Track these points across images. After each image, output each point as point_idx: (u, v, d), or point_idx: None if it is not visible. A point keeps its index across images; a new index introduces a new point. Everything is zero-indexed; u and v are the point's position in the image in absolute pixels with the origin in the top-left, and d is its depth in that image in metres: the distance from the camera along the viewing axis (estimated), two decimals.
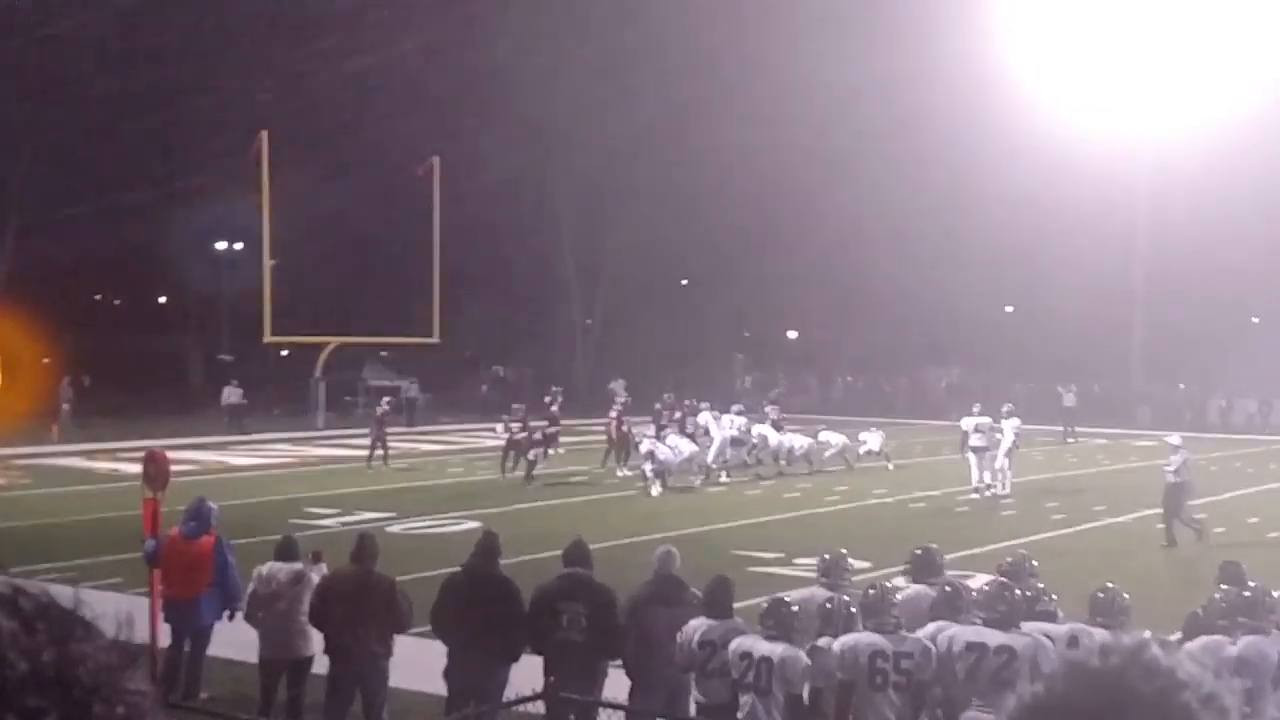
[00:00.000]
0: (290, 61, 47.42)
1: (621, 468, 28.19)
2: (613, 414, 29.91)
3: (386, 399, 32.91)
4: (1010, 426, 25.34)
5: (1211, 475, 30.08)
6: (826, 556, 8.80)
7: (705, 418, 28.64)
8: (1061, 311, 53.57)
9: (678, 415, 29.57)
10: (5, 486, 25.77)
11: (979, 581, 10.20)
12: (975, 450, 24.96)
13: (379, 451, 29.05)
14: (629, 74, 51.29)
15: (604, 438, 30.28)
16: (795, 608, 7.56)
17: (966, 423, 25.60)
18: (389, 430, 30.20)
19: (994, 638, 6.81)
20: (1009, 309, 63.53)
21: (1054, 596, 7.67)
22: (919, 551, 8.89)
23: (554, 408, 29.28)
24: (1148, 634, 1.08)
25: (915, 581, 8.42)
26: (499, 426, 29.40)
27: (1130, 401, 50.47)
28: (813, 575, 9.21)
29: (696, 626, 8.00)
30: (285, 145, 38.18)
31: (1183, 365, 53.60)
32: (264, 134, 36.41)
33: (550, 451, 28.37)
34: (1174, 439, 20.42)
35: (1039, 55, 47.81)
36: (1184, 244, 49.58)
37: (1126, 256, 53.87)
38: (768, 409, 31.20)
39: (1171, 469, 19.46)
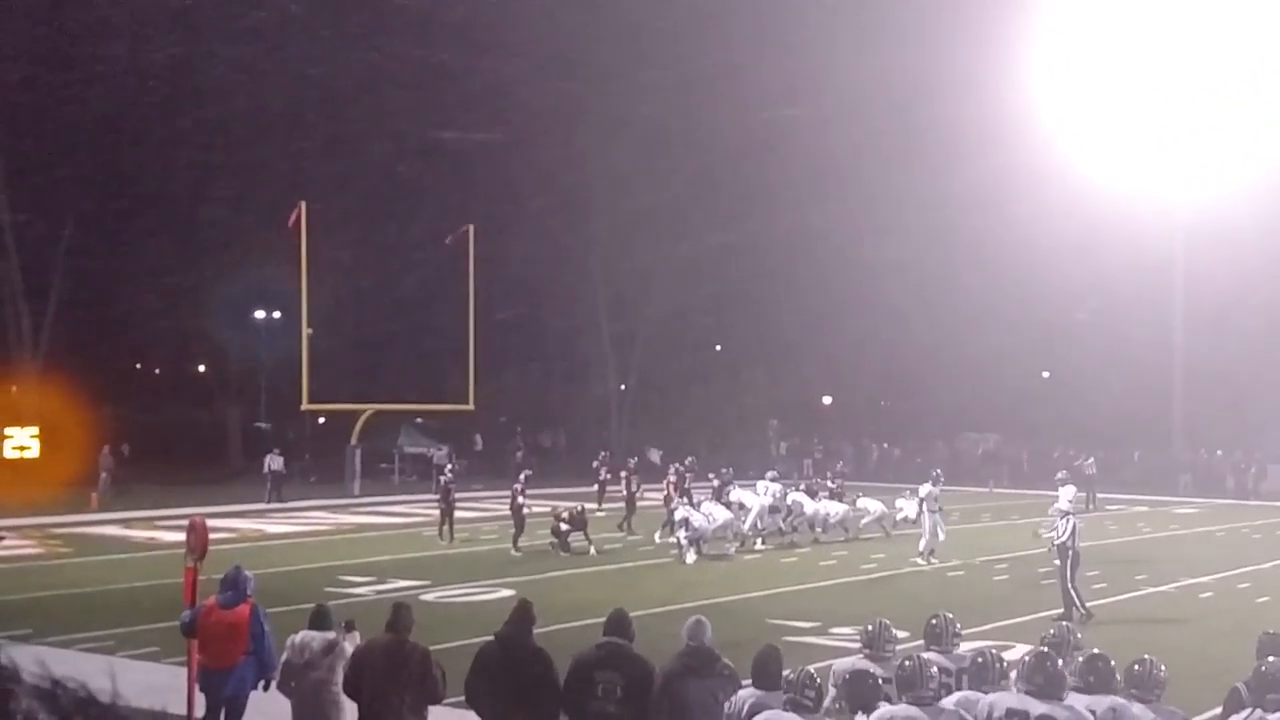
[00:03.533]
0: (327, 132, 48.03)
1: (661, 533, 28.02)
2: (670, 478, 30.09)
3: (450, 468, 31.98)
4: (1065, 495, 25.12)
5: (1254, 543, 29.80)
6: (869, 627, 8.61)
7: (737, 495, 28.52)
8: (1099, 377, 53.18)
9: (715, 483, 29.42)
10: (45, 555, 25.91)
11: (1018, 653, 10.07)
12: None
13: (447, 523, 27.97)
14: (664, 141, 51.68)
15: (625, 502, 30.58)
16: (819, 680, 7.45)
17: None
18: (457, 499, 29.26)
19: (1036, 707, 6.71)
20: (1045, 374, 63.15)
21: (1111, 663, 7.49)
22: (932, 620, 8.71)
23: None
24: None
25: (926, 650, 8.25)
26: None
27: (1171, 469, 49.89)
28: (849, 645, 9.08)
29: (745, 697, 7.82)
30: (323, 215, 38.56)
31: (1223, 432, 53.00)
32: (302, 204, 36.81)
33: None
34: (1063, 504, 20.44)
35: (1077, 120, 47.93)
36: (1222, 309, 49.23)
37: (1165, 322, 53.48)
38: (834, 482, 31.33)
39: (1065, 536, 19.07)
